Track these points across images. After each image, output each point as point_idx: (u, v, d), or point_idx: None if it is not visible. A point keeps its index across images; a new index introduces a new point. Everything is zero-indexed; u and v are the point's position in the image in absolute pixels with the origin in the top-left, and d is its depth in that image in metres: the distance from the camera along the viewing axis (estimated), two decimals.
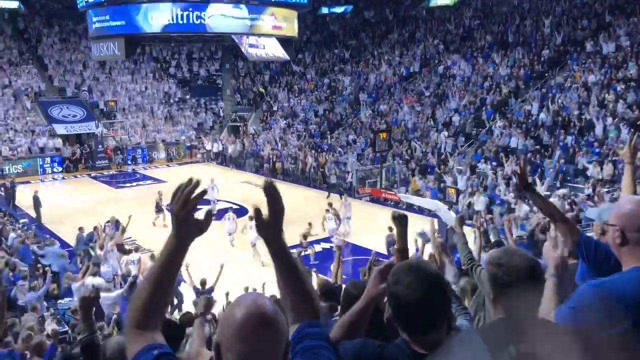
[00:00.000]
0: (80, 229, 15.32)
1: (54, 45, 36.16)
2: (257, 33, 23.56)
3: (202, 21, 21.37)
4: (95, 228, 15.28)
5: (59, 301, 11.48)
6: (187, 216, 1.57)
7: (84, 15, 24.46)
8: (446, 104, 26.37)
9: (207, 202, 20.67)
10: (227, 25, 22.37)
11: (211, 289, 10.75)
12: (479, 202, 17.87)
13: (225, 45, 37.01)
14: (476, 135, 23.43)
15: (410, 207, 19.57)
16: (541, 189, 16.47)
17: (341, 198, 19.64)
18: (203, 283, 10.91)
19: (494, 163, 20.43)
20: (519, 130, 21.62)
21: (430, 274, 1.77)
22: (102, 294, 10.24)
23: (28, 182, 25.16)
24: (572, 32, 25.55)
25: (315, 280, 7.40)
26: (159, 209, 18.68)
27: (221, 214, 17.21)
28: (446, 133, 24.08)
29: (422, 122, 25.97)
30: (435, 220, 12.33)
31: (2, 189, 21.97)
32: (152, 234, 16.51)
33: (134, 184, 26.77)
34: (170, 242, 1.60)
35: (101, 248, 13.48)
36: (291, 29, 24.32)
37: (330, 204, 17.76)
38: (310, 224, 15.83)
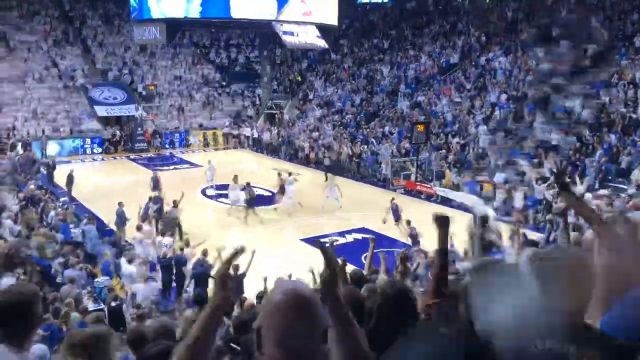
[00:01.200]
0: (120, 203, 15.43)
1: (98, 28, 36.81)
2: (285, 20, 22.95)
3: (227, 6, 20.95)
4: (151, 198, 15.93)
5: (96, 279, 11.70)
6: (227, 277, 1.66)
7: None
8: (486, 98, 25.89)
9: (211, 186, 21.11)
10: (252, 12, 21.80)
11: (243, 275, 10.84)
12: (517, 198, 17.53)
13: (263, 32, 37.05)
14: (516, 131, 22.91)
15: (445, 201, 19.36)
16: (581, 188, 16.05)
17: (326, 179, 20.65)
18: (236, 268, 10.98)
19: (534, 159, 19.98)
20: (560, 126, 21.06)
21: None
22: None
23: (69, 161, 25.79)
24: (622, 26, 24.70)
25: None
26: (155, 186, 18.47)
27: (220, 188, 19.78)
28: (485, 127, 23.65)
29: (461, 115, 25.58)
30: (471, 216, 12.16)
31: (45, 167, 22.61)
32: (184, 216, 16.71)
33: (171, 167, 27.16)
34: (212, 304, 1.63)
35: (139, 229, 13.73)
36: (328, 16, 23.72)
37: (279, 173, 18.97)
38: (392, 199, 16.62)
